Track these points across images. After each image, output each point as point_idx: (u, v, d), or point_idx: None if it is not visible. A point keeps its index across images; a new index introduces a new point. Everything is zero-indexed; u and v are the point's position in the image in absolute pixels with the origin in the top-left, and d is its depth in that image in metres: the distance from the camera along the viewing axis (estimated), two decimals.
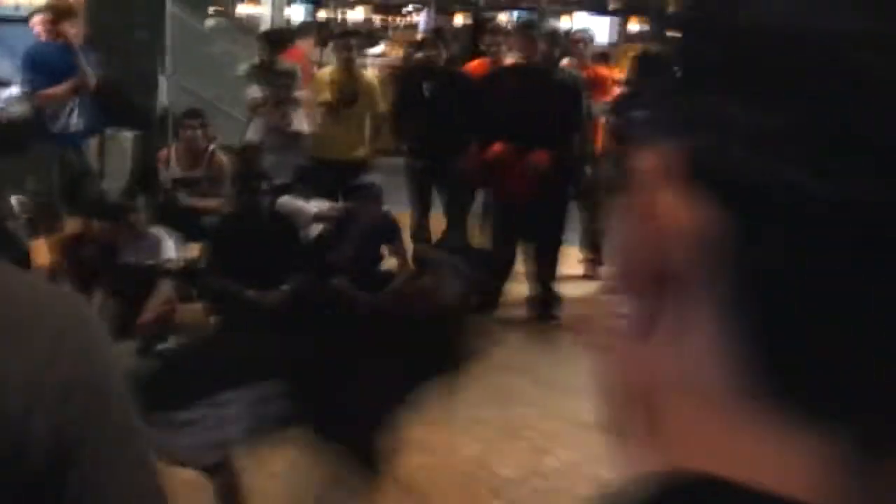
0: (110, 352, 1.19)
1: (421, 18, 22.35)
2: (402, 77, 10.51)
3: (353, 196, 8.67)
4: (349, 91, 9.55)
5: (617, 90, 10.15)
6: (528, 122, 8.31)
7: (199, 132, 9.02)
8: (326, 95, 9.60)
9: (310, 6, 23.93)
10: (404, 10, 24.01)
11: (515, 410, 6.77)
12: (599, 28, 19.14)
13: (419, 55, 10.45)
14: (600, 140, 9.48)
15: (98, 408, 1.12)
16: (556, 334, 8.51)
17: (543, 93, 8.49)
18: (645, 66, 9.50)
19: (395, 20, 23.55)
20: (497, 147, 8.44)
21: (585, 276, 10.05)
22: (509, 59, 9.34)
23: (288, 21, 17.80)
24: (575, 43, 10.91)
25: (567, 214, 9.07)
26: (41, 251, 8.00)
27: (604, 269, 9.64)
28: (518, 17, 20.06)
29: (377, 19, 23.88)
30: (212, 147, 9.12)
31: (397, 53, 17.38)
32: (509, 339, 8.34)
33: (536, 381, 7.30)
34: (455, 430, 6.19)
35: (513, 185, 8.34)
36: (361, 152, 9.67)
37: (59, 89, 9.08)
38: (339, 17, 23.29)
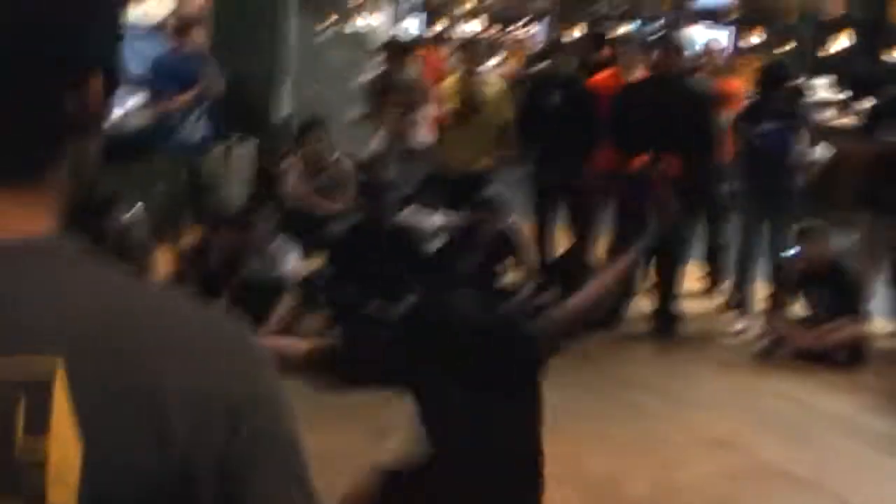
0: (275, 371, 1.18)
1: (538, 29, 22.28)
2: (527, 87, 10.41)
3: (476, 208, 8.60)
4: (472, 101, 9.47)
5: (741, 103, 9.96)
6: (666, 134, 8.22)
7: (322, 144, 9.05)
8: (450, 105, 9.54)
9: (424, 18, 24.00)
10: (521, 21, 23.97)
11: (642, 425, 6.64)
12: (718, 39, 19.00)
13: (541, 65, 10.37)
14: (727, 153, 9.30)
15: (269, 428, 1.13)
16: (678, 349, 8.36)
17: (679, 105, 8.40)
18: (770, 77, 9.30)
19: (512, 31, 23.49)
20: (636, 158, 8.34)
21: (706, 292, 9.90)
22: (640, 71, 9.20)
23: (403, 32, 17.84)
24: (709, 54, 10.76)
25: (694, 229, 8.93)
26: (164, 260, 8.07)
27: (722, 286, 9.52)
28: (637, 28, 19.92)
29: (494, 30, 23.85)
30: (336, 154, 9.13)
31: (516, 64, 17.31)
32: (634, 355, 8.25)
33: (662, 396, 7.19)
34: (581, 444, 6.09)
35: (645, 196, 8.20)
36: (485, 163, 9.58)
37: (185, 97, 9.16)
38: (455, 28, 23.29)
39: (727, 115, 9.43)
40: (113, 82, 1.14)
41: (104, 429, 1.04)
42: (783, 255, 8.73)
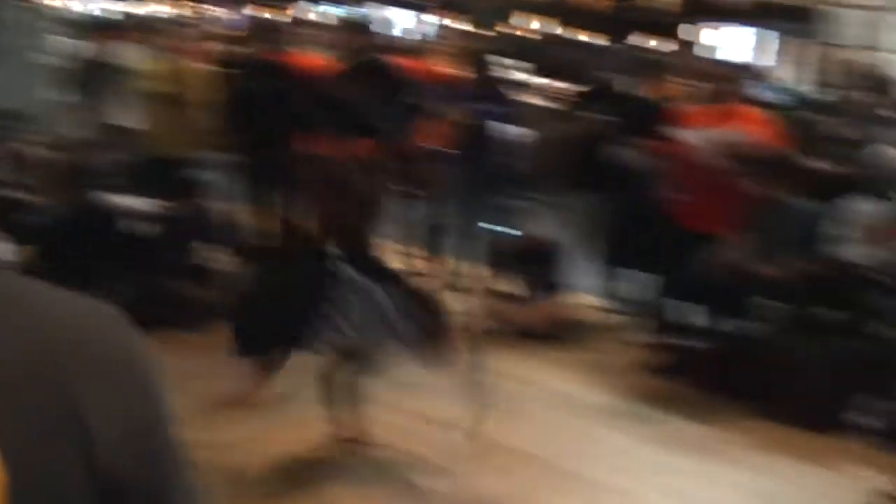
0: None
1: (227, 12, 21.86)
2: (231, 71, 10.22)
3: (183, 193, 8.41)
4: (179, 84, 9.22)
5: (446, 84, 10.09)
6: (363, 115, 8.20)
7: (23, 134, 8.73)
8: (156, 88, 9.26)
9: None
10: (206, 3, 23.51)
11: (367, 408, 6.64)
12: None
13: (241, 49, 10.25)
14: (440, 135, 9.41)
15: (170, 441, 1.15)
16: None
17: (380, 87, 8.39)
18: (479, 61, 9.52)
19: (205, 11, 23.02)
20: (322, 140, 8.30)
21: (425, 272, 10.00)
22: (331, 53, 9.20)
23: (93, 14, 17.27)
24: (409, 37, 10.87)
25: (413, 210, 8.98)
26: None
27: (430, 264, 9.63)
28: (325, 10, 20.03)
29: (188, 10, 23.35)
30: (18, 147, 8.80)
31: (214, 47, 16.98)
32: None
33: (382, 378, 7.19)
34: (308, 426, 6.03)
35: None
36: (191, 148, 9.34)
37: None
38: (144, 10, 22.69)
39: (433, 97, 9.55)
40: None
41: (29, 454, 1.02)
42: (498, 234, 8.90)
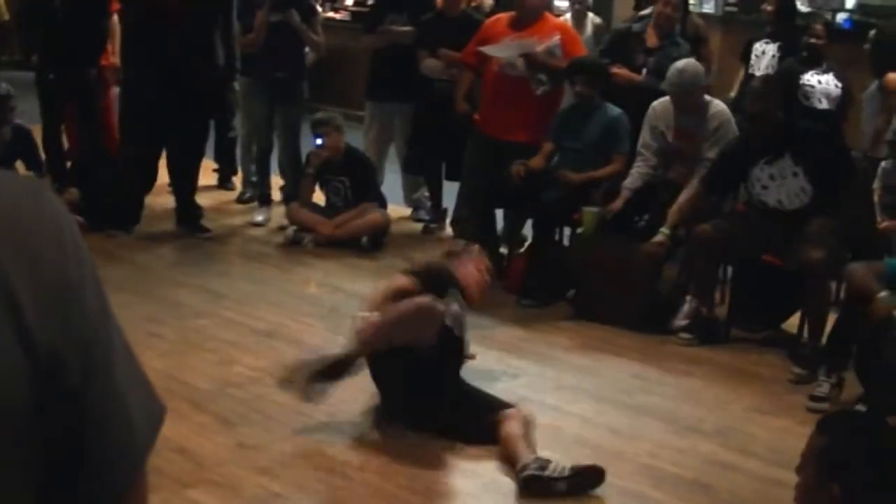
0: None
1: None
2: None
3: None
4: None
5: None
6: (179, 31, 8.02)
7: None
8: None
9: None
10: None
11: (191, 323, 6.64)
12: None
13: None
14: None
15: (101, 301, 1.12)
16: (205, 245, 8.37)
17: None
18: None
19: None
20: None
21: (219, 186, 9.97)
22: None
23: None
24: None
25: (207, 123, 8.85)
26: None
27: (234, 178, 9.59)
28: None
29: None
30: None
31: None
32: (165, 254, 8.17)
33: (202, 293, 7.20)
34: (136, 347, 5.96)
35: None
36: None
37: None
38: None
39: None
40: None
41: None
42: (300, 145, 8.92)
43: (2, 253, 1.02)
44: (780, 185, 6.58)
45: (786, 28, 9.20)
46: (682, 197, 6.97)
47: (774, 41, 9.18)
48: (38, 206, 1.09)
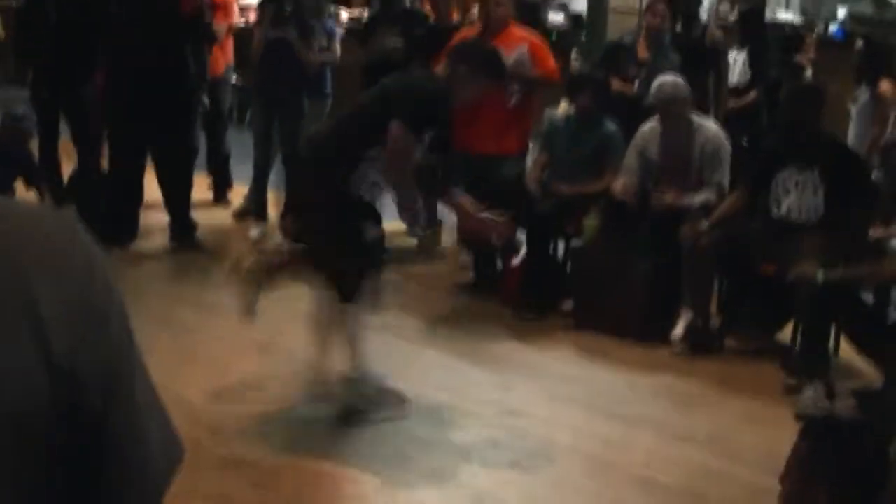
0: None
1: None
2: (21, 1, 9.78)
3: None
4: None
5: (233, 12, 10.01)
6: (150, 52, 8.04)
7: None
8: None
9: None
10: None
11: (187, 338, 6.65)
12: None
13: None
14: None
15: (127, 334, 1.15)
16: (199, 260, 8.38)
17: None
18: None
19: None
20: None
21: (214, 201, 9.96)
22: None
23: None
24: None
25: (194, 131, 8.84)
26: None
27: (229, 194, 9.60)
28: None
29: None
30: None
31: None
32: (158, 270, 8.18)
33: (196, 307, 7.21)
34: None
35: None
36: None
37: None
38: None
39: (223, 23, 9.49)
40: None
41: None
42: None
43: (35, 282, 1.06)
44: (801, 195, 6.61)
45: (753, 33, 9.22)
46: (725, 204, 7.00)
47: (742, 48, 9.21)
48: (71, 240, 1.13)
